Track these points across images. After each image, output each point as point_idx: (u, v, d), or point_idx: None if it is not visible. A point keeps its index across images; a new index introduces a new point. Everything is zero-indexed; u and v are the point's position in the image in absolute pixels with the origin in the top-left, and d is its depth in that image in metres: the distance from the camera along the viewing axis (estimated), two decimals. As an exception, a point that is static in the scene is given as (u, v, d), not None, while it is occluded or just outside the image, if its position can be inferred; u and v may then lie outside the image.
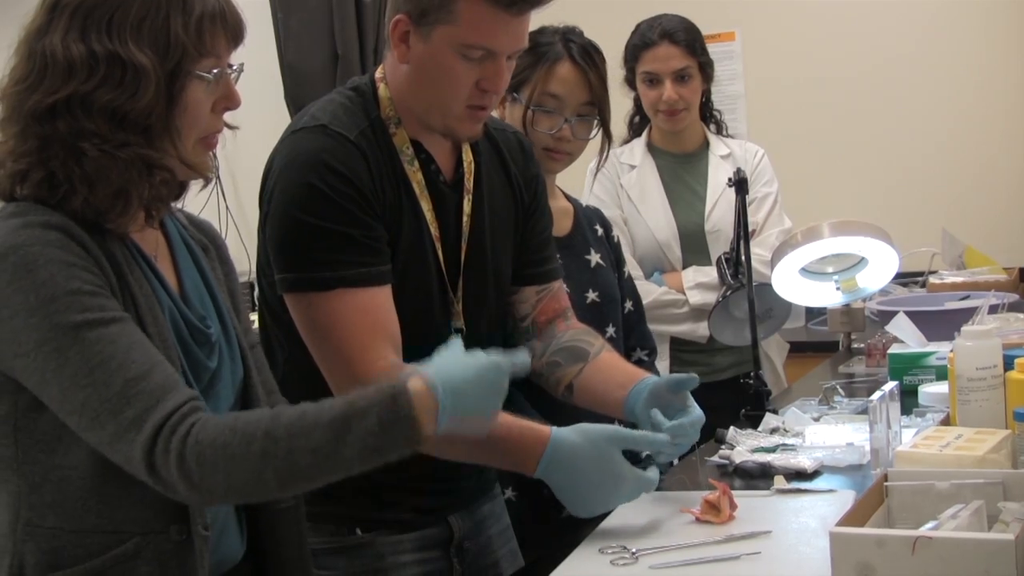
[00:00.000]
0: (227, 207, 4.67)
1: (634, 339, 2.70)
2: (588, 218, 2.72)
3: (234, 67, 1.64)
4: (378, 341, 1.94)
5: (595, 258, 2.64)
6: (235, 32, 1.63)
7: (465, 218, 2.10)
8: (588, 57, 2.54)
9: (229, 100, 1.64)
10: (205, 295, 1.72)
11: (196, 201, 1.80)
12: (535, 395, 2.31)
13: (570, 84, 2.52)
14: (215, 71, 1.60)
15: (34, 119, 1.55)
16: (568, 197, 2.70)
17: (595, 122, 2.56)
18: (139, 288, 1.58)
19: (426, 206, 2.04)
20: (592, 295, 2.57)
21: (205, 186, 1.70)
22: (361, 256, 1.95)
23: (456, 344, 1.63)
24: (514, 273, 2.22)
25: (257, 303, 2.12)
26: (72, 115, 1.54)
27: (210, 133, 1.64)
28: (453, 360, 1.59)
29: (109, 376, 1.48)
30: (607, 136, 2.62)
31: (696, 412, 2.00)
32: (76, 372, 1.48)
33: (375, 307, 1.96)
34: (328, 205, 1.93)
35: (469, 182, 2.11)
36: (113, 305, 1.52)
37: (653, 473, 1.93)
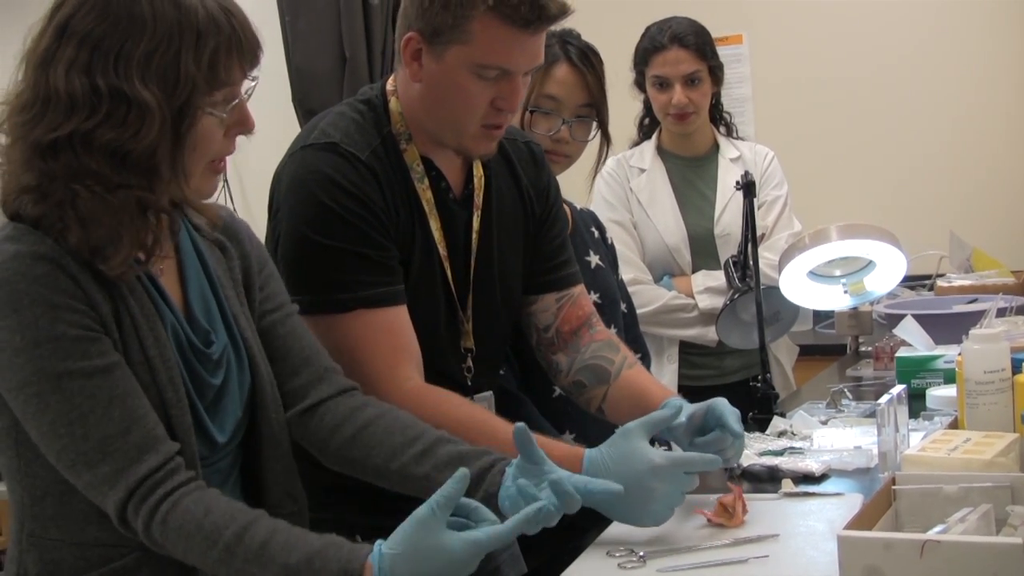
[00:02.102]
0: (234, 210, 4.67)
1: (627, 343, 2.68)
2: (584, 220, 2.72)
3: (250, 76, 1.59)
4: (402, 361, 1.93)
5: (595, 259, 2.64)
6: (252, 57, 1.58)
7: (474, 235, 2.08)
8: (586, 59, 2.52)
9: (243, 126, 1.60)
10: (212, 307, 1.69)
11: (203, 204, 1.79)
12: (538, 397, 2.31)
13: (568, 86, 2.51)
14: (231, 103, 1.56)
15: (36, 153, 1.51)
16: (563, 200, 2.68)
17: (593, 124, 2.54)
18: (140, 309, 1.56)
19: (435, 224, 2.03)
20: (594, 297, 2.55)
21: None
22: (378, 276, 1.94)
23: (440, 512, 1.47)
24: (530, 281, 2.20)
25: None
26: (73, 152, 1.49)
27: (220, 157, 1.61)
28: (423, 545, 1.45)
29: (87, 430, 1.49)
30: (606, 138, 2.60)
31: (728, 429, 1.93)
32: (55, 420, 1.49)
33: (396, 327, 1.95)
34: (342, 226, 1.92)
35: (479, 198, 2.09)
36: (98, 350, 1.50)
37: (683, 453, 1.82)
